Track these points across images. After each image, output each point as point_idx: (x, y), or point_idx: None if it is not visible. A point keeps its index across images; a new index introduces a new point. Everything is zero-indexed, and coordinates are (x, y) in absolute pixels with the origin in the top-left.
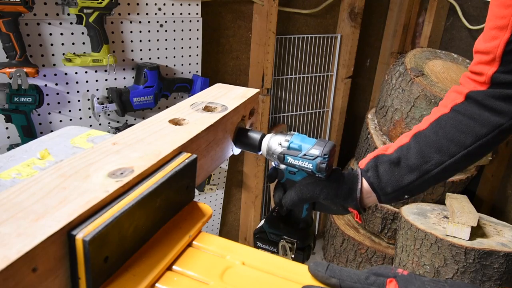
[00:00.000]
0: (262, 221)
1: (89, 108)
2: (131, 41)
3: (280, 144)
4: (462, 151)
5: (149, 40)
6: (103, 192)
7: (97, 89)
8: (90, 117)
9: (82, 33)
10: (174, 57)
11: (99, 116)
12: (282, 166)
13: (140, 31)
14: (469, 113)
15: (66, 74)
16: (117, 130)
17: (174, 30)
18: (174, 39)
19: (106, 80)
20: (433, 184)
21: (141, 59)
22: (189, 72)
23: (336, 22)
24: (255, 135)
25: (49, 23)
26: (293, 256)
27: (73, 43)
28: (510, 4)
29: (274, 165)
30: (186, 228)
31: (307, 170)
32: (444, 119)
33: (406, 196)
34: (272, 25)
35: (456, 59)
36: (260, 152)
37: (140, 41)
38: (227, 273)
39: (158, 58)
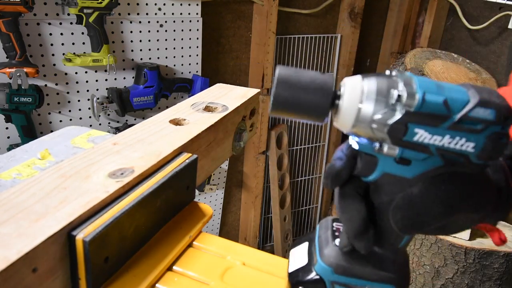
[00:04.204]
0: (295, 255)
1: (89, 108)
2: (131, 41)
3: (394, 101)
4: None
5: (149, 40)
6: (103, 193)
7: (97, 89)
8: (90, 117)
9: (82, 33)
10: (174, 57)
11: (99, 116)
12: (390, 151)
13: (140, 31)
14: None
15: (66, 74)
16: (117, 130)
17: (174, 30)
18: (174, 39)
19: (106, 80)
20: None
21: (141, 59)
22: (189, 72)
23: (336, 22)
24: (318, 84)
25: (49, 23)
26: None
27: (73, 43)
28: None
29: (353, 146)
30: (187, 229)
31: (457, 155)
32: None
33: None
34: (272, 25)
35: (456, 59)
36: (328, 119)
37: (140, 41)
38: (227, 274)
39: (158, 58)
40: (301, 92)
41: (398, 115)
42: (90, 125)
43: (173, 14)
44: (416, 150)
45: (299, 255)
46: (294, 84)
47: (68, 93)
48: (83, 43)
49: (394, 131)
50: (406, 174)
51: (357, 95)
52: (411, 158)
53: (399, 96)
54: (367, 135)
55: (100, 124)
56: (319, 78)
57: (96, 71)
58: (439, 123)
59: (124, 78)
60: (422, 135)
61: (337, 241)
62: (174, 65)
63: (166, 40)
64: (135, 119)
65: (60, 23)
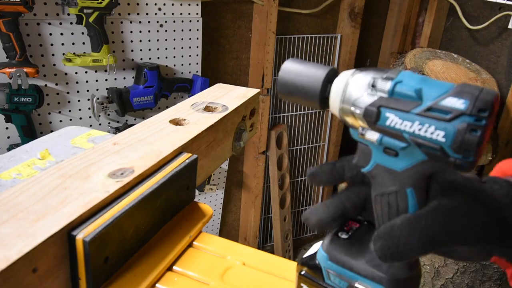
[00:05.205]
0: (315, 246)
1: (89, 108)
2: (131, 41)
3: (371, 87)
4: None
5: (149, 40)
6: (103, 193)
7: (97, 89)
8: (90, 117)
9: (82, 33)
10: (174, 57)
11: (99, 116)
12: (371, 136)
13: (140, 31)
14: None
15: (66, 74)
16: (117, 130)
17: (174, 30)
18: (174, 39)
19: (106, 80)
20: None
21: (141, 59)
22: (189, 72)
23: (336, 22)
24: (314, 71)
25: (49, 23)
26: None
27: (73, 43)
28: None
29: (353, 135)
30: (187, 229)
31: (431, 144)
32: None
33: None
34: (272, 25)
35: (456, 59)
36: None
37: (140, 41)
38: (227, 274)
39: (158, 58)
40: (299, 76)
41: (372, 99)
42: (90, 125)
43: (173, 14)
44: (391, 137)
45: (317, 246)
46: (293, 71)
47: (68, 93)
48: (83, 43)
49: (368, 114)
50: (395, 166)
51: (344, 81)
52: (391, 146)
53: (374, 81)
54: (350, 120)
55: (100, 124)
56: (316, 67)
57: (96, 71)
58: (409, 109)
59: (124, 78)
60: (393, 119)
61: (340, 233)
62: (174, 65)
63: (166, 40)
64: (135, 119)
65: (60, 23)
